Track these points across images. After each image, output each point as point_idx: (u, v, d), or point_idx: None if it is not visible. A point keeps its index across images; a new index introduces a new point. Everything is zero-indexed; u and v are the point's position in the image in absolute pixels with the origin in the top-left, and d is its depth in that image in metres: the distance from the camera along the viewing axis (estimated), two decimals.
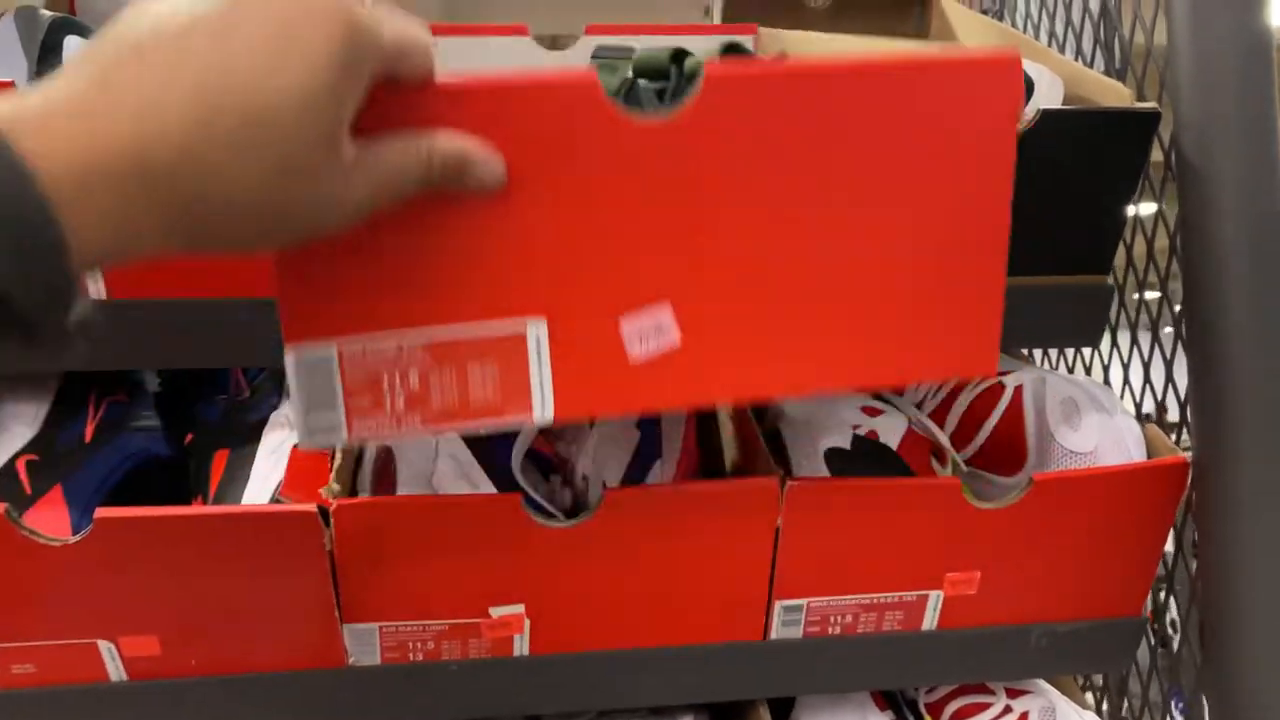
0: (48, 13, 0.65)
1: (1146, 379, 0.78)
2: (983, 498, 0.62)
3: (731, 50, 0.51)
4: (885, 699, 0.75)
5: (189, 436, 0.67)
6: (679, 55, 0.48)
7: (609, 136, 0.42)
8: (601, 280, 0.44)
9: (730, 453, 0.71)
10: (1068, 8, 0.83)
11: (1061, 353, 0.89)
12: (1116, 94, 0.66)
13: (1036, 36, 0.90)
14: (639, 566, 0.60)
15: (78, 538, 0.53)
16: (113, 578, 0.55)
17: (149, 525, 0.54)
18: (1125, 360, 0.78)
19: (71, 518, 0.59)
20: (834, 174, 0.43)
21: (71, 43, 0.66)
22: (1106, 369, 0.83)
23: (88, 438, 0.63)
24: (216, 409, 0.68)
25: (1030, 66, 0.66)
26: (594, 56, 0.59)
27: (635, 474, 0.64)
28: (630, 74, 0.48)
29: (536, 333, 0.44)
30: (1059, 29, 0.84)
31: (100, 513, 0.53)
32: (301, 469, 0.58)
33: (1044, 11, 0.87)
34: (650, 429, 0.67)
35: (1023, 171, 0.64)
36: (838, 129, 0.43)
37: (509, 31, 0.69)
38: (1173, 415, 0.75)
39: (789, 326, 0.45)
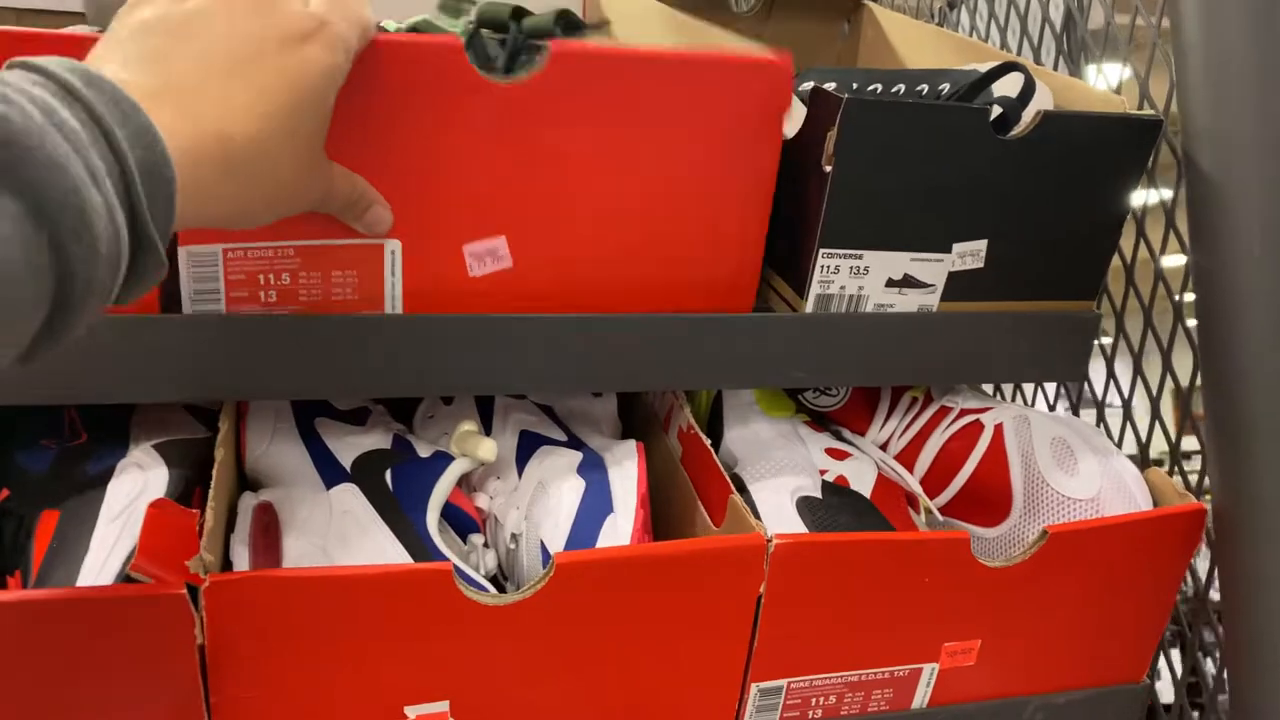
0: None
1: (1126, 415, 0.72)
2: None
3: (564, 15, 0.56)
4: None
5: (3, 493, 0.52)
6: (519, 12, 0.54)
7: (469, 94, 0.48)
8: (450, 214, 0.51)
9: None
10: (1023, 17, 0.77)
11: (1018, 388, 0.82)
12: (1107, 103, 0.60)
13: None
14: (593, 649, 0.49)
15: None
16: None
17: None
18: (1126, 395, 0.71)
19: None
20: (638, 138, 0.51)
21: None
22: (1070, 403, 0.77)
23: None
24: (43, 457, 0.53)
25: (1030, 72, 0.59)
26: None
27: (583, 532, 0.53)
28: (474, 22, 0.54)
29: (392, 249, 0.51)
30: (1011, 41, 0.78)
31: None
32: (159, 535, 0.44)
33: (993, 22, 0.81)
34: (597, 475, 0.56)
35: (1014, 181, 0.57)
36: (644, 102, 0.50)
37: None
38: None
39: (597, 259, 0.54)
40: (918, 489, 0.63)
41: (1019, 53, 0.78)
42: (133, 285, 0.33)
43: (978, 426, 0.65)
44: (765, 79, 0.51)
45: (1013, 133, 0.56)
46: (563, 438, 0.63)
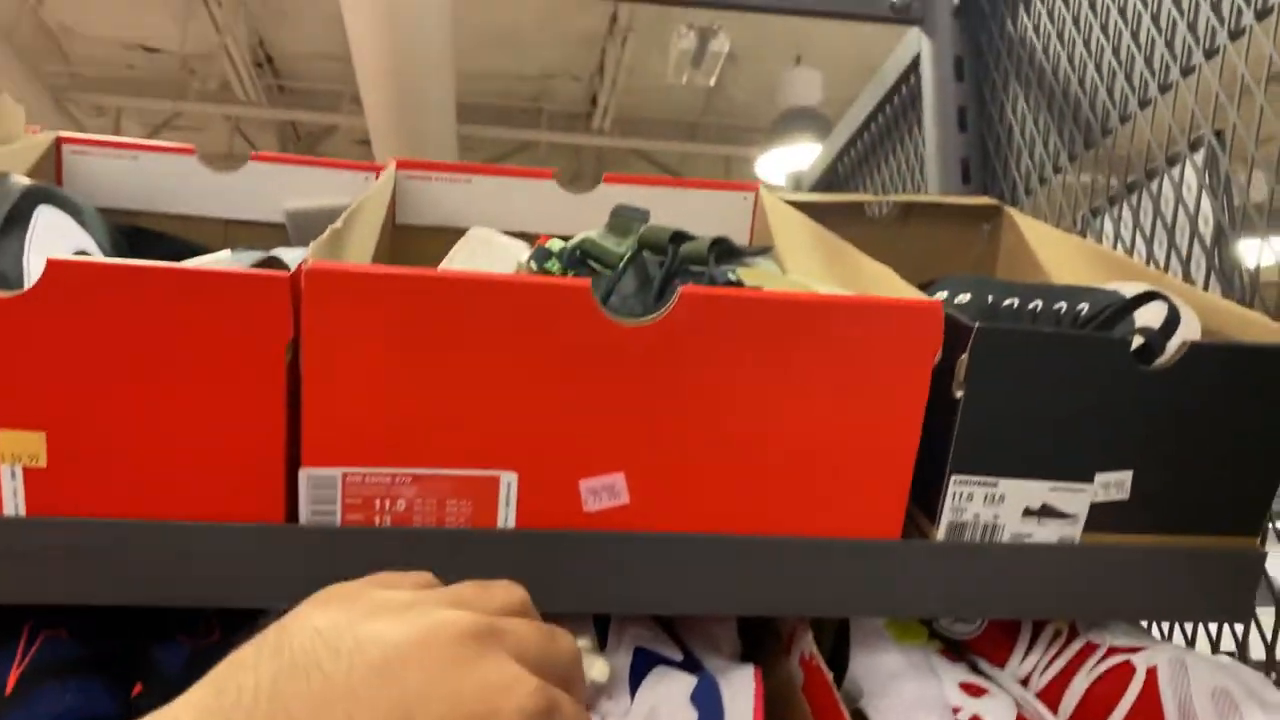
0: (21, 180, 0.57)
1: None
2: None
3: (720, 243, 0.59)
4: None
5: (137, 687, 0.54)
6: (678, 236, 0.58)
7: (595, 335, 0.49)
8: (569, 449, 0.51)
9: None
10: (1169, 231, 0.75)
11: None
12: (1261, 328, 0.57)
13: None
14: None
15: None
16: None
17: None
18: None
19: None
20: (777, 379, 0.51)
21: (43, 214, 0.57)
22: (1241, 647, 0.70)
23: (8, 689, 0.50)
24: (178, 653, 0.55)
25: (1171, 297, 0.57)
26: (613, 214, 0.70)
27: None
28: (637, 244, 0.59)
29: (508, 481, 0.51)
30: (1159, 251, 0.76)
31: None
32: None
33: (1139, 233, 0.79)
34: (711, 704, 0.54)
35: (1160, 412, 0.54)
36: (785, 344, 0.51)
37: (535, 174, 0.83)
38: None
39: (721, 496, 0.53)
40: None
41: (1166, 264, 0.76)
42: None
43: (1128, 668, 0.60)
44: (914, 322, 0.52)
45: (1156, 363, 0.54)
46: (678, 656, 0.61)
